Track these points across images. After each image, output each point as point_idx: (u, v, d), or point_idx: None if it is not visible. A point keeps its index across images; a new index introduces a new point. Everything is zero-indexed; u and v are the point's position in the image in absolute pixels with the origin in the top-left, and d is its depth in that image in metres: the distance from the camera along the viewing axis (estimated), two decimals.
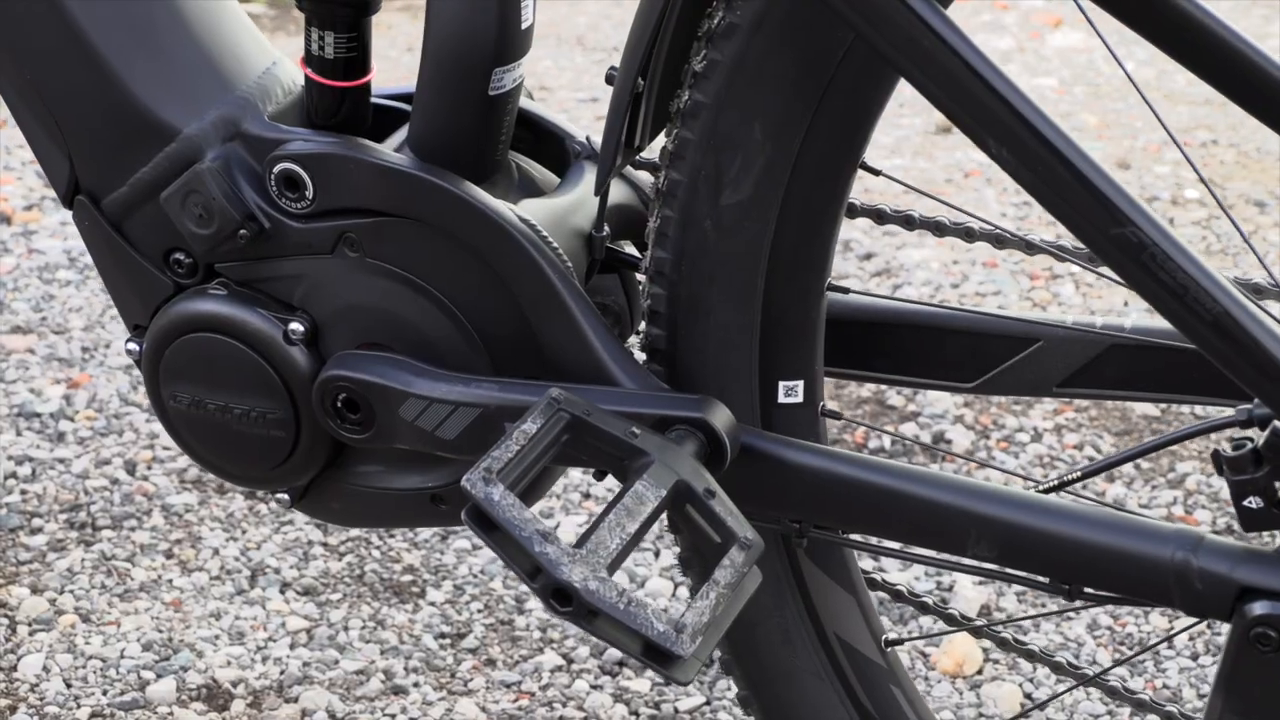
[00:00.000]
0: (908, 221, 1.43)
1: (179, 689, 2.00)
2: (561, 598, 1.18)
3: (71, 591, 2.15)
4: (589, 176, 1.44)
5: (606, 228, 1.41)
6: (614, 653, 2.07)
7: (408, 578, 2.21)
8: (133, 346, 1.50)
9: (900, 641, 1.47)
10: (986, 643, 2.08)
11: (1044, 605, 2.20)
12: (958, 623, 1.49)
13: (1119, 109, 3.77)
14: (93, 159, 1.45)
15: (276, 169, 1.39)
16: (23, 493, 2.33)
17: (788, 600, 1.43)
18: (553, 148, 1.48)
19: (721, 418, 1.30)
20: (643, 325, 1.39)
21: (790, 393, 1.36)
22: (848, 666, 1.45)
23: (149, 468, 2.40)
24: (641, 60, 1.28)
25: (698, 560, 1.46)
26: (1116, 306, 2.96)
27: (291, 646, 2.08)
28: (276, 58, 1.47)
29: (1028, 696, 2.04)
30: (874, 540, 1.40)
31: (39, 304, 2.80)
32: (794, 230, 1.31)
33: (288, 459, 1.47)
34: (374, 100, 1.46)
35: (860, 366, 1.45)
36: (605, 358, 1.35)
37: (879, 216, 1.43)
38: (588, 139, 1.47)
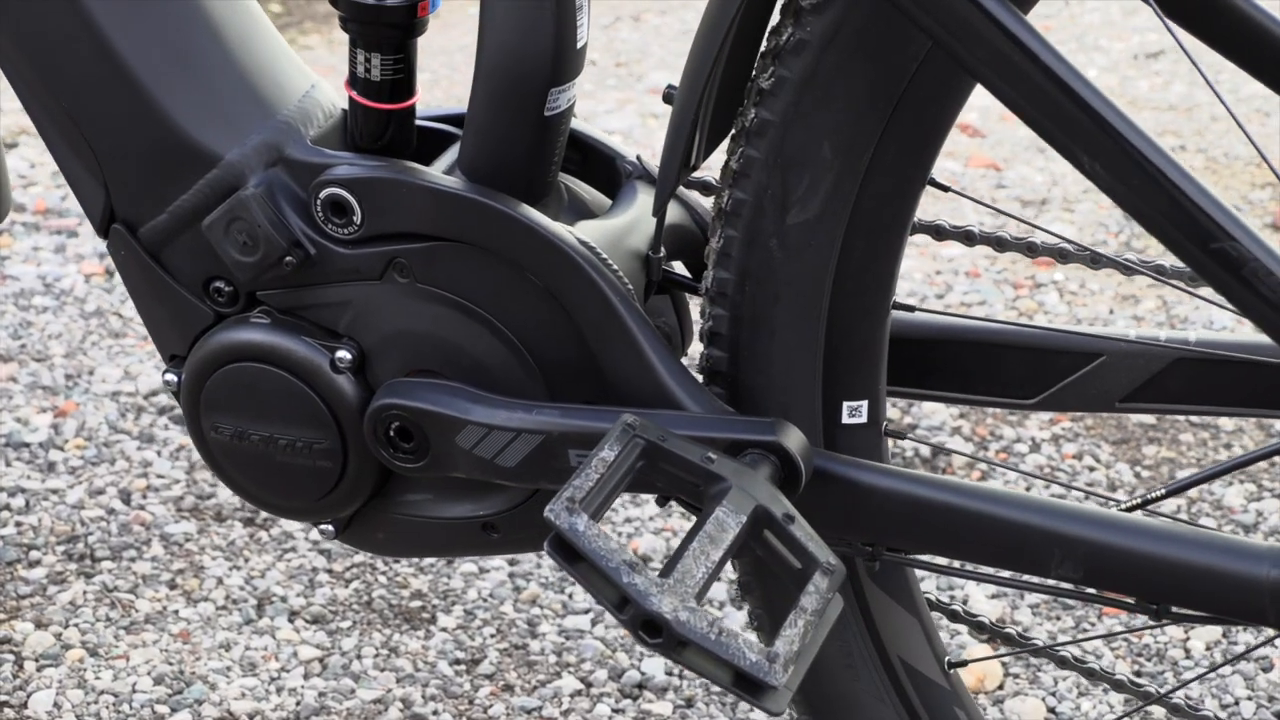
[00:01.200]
0: (968, 237, 1.41)
1: None
2: (651, 629, 1.15)
3: (76, 625, 2.11)
4: (642, 197, 1.41)
5: (663, 249, 1.38)
6: (633, 675, 2.04)
7: (417, 603, 2.17)
8: (170, 377, 1.47)
9: (964, 663, 1.45)
10: (1007, 658, 2.06)
11: (1058, 618, 2.18)
12: (1018, 643, 1.47)
13: None
14: (130, 187, 1.42)
15: (323, 194, 1.36)
16: (18, 525, 2.29)
17: (850, 623, 1.41)
18: (602, 168, 1.46)
19: (795, 441, 1.28)
20: (699, 347, 1.37)
21: (854, 413, 1.34)
22: (910, 689, 1.43)
23: (144, 496, 2.36)
24: (707, 79, 1.25)
25: (759, 586, 1.43)
26: (1103, 314, 2.96)
27: (305, 676, 2.04)
28: (315, 80, 1.44)
29: (1051, 711, 2.02)
30: (942, 562, 1.37)
31: (17, 331, 2.75)
32: (861, 249, 1.29)
33: (334, 489, 1.44)
34: (418, 123, 1.43)
35: (917, 385, 1.43)
36: (669, 381, 1.32)
37: (938, 233, 1.41)
38: (638, 158, 1.45)
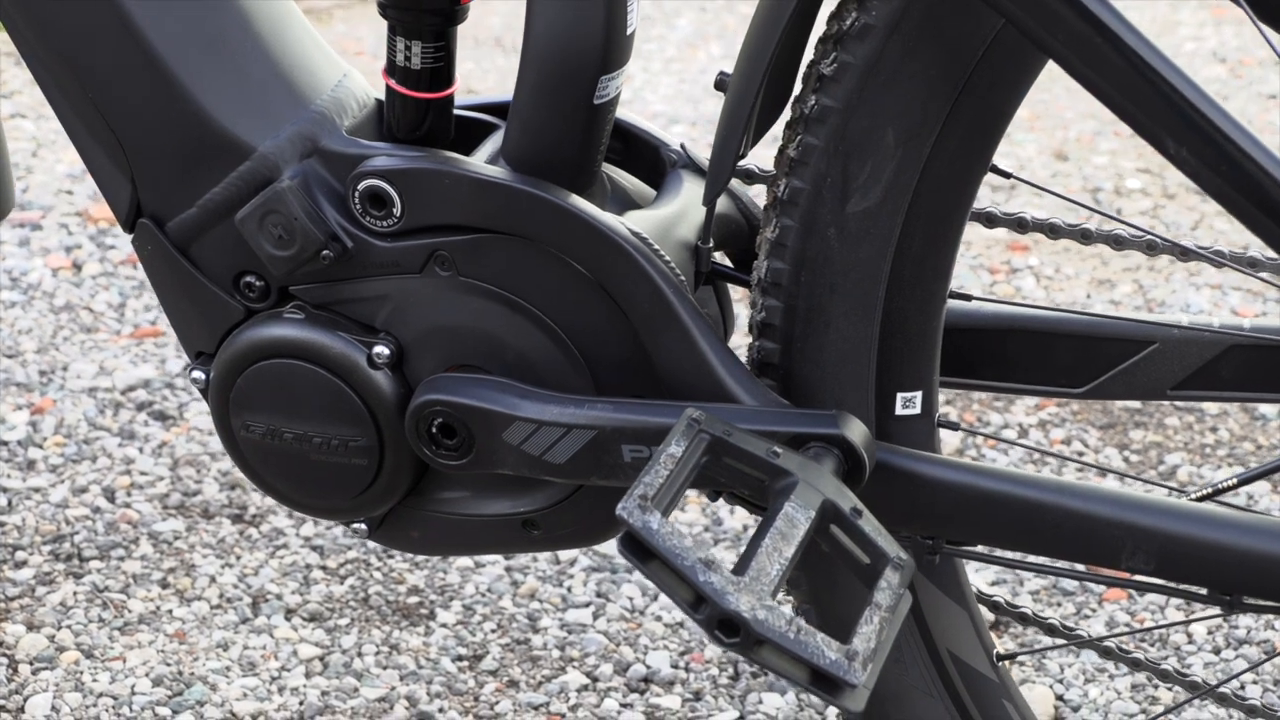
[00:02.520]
0: (1020, 225, 1.39)
1: None
2: (727, 628, 1.13)
3: (69, 627, 2.06)
4: (688, 186, 1.38)
5: (712, 239, 1.35)
6: (639, 669, 2.02)
7: (414, 599, 2.14)
8: (198, 375, 1.43)
9: (1012, 656, 1.43)
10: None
11: (1059, 604, 2.17)
12: (1062, 634, 1.45)
13: (1046, 99, 3.76)
14: (158, 180, 1.38)
15: (361, 186, 1.33)
16: (1, 525, 2.24)
17: None
18: (646, 157, 1.43)
19: (858, 433, 1.26)
20: (738, 337, 1.34)
21: (908, 404, 1.32)
22: (960, 683, 1.41)
23: (129, 494, 2.32)
24: (767, 66, 1.23)
25: (806, 580, 1.41)
26: (1080, 299, 2.95)
27: (307, 675, 2.00)
28: (347, 70, 1.41)
29: (1060, 699, 2.01)
30: (990, 553, 1.35)
31: None
32: (920, 237, 1.27)
33: (369, 488, 1.41)
34: (455, 112, 1.40)
35: (966, 374, 1.41)
36: (724, 374, 1.30)
37: (989, 220, 1.39)
38: (682, 147, 1.42)
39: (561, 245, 1.30)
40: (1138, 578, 1.25)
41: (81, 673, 1.99)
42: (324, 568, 2.19)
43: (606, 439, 1.30)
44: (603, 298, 1.31)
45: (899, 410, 1.33)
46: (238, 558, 2.20)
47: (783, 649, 1.12)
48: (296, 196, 1.33)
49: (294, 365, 1.38)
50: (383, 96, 1.42)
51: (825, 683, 1.14)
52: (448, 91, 1.37)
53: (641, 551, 1.15)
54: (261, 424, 1.41)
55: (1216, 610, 1.24)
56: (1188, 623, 1.74)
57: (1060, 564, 1.44)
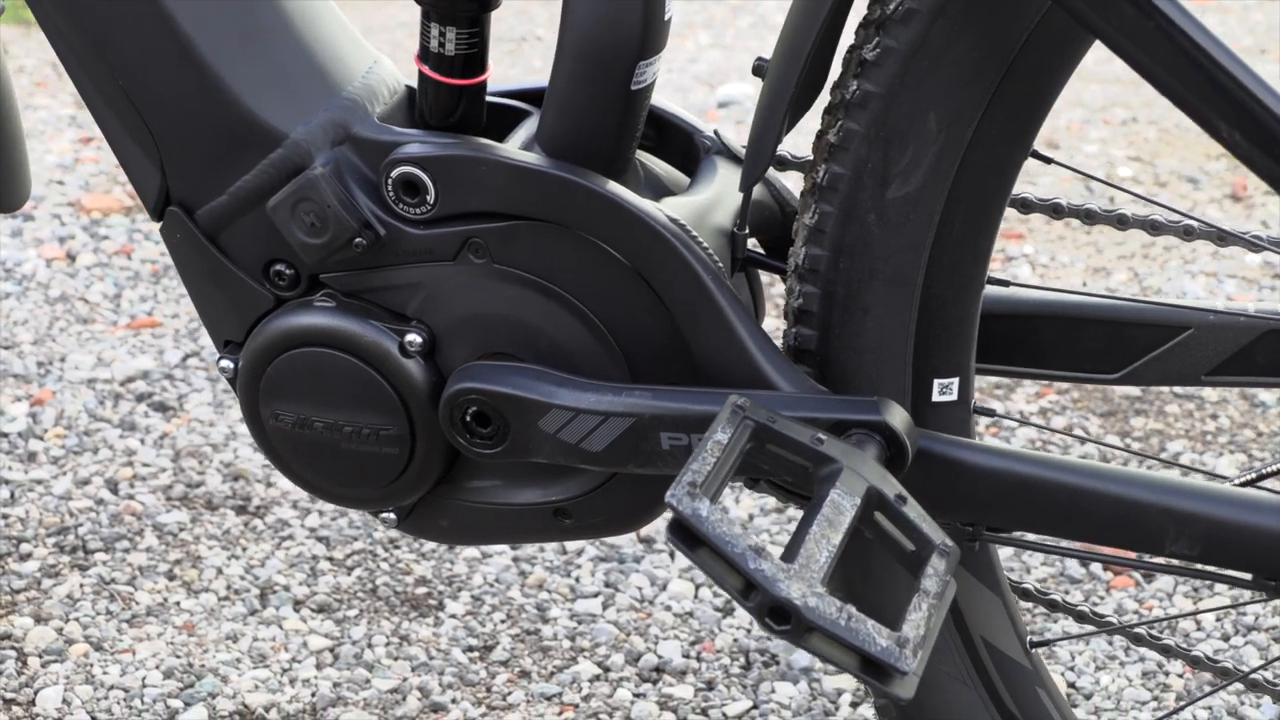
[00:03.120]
0: (1055, 210, 1.38)
1: (211, 717, 1.91)
2: (778, 616, 1.12)
3: (77, 619, 2.05)
4: (723, 172, 1.38)
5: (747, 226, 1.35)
6: (650, 659, 2.01)
7: (422, 590, 2.13)
8: (226, 364, 1.42)
9: (1046, 643, 1.43)
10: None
11: (1068, 591, 2.17)
12: (1094, 621, 1.45)
13: None
14: (188, 168, 1.37)
15: (395, 173, 1.32)
16: (4, 517, 2.22)
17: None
18: (678, 144, 1.42)
19: (900, 419, 1.25)
20: (769, 323, 1.34)
21: (945, 390, 1.32)
22: (993, 670, 1.40)
23: (132, 486, 2.31)
24: (810, 51, 1.22)
25: (840, 568, 1.40)
26: (1076, 286, 2.95)
27: (318, 667, 2.00)
28: (376, 57, 1.40)
29: (1071, 686, 2.01)
30: (1032, 539, 1.35)
31: None
32: (960, 223, 1.26)
33: (399, 476, 1.40)
34: (487, 99, 1.39)
35: (997, 361, 1.41)
36: (762, 361, 1.29)
37: (1025, 205, 1.39)
38: (716, 133, 1.41)
39: (599, 232, 1.29)
40: (1174, 563, 1.24)
41: (91, 665, 1.98)
42: (331, 559, 2.18)
43: (645, 426, 1.29)
44: (639, 285, 1.30)
45: (936, 396, 1.32)
46: (244, 549, 2.19)
47: (833, 636, 1.12)
48: (329, 184, 1.32)
49: (325, 354, 1.37)
50: (413, 83, 1.41)
51: (875, 670, 1.13)
52: (481, 78, 1.36)
53: (690, 539, 1.14)
54: (291, 413, 1.40)
55: (1262, 596, 1.23)
56: (1230, 608, 1.74)
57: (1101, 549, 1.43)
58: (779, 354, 1.30)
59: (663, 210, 1.29)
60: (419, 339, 1.35)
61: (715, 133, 1.41)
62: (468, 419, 1.35)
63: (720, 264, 1.30)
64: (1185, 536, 1.22)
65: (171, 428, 2.43)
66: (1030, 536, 1.32)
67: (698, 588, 2.15)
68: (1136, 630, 1.45)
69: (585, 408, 1.30)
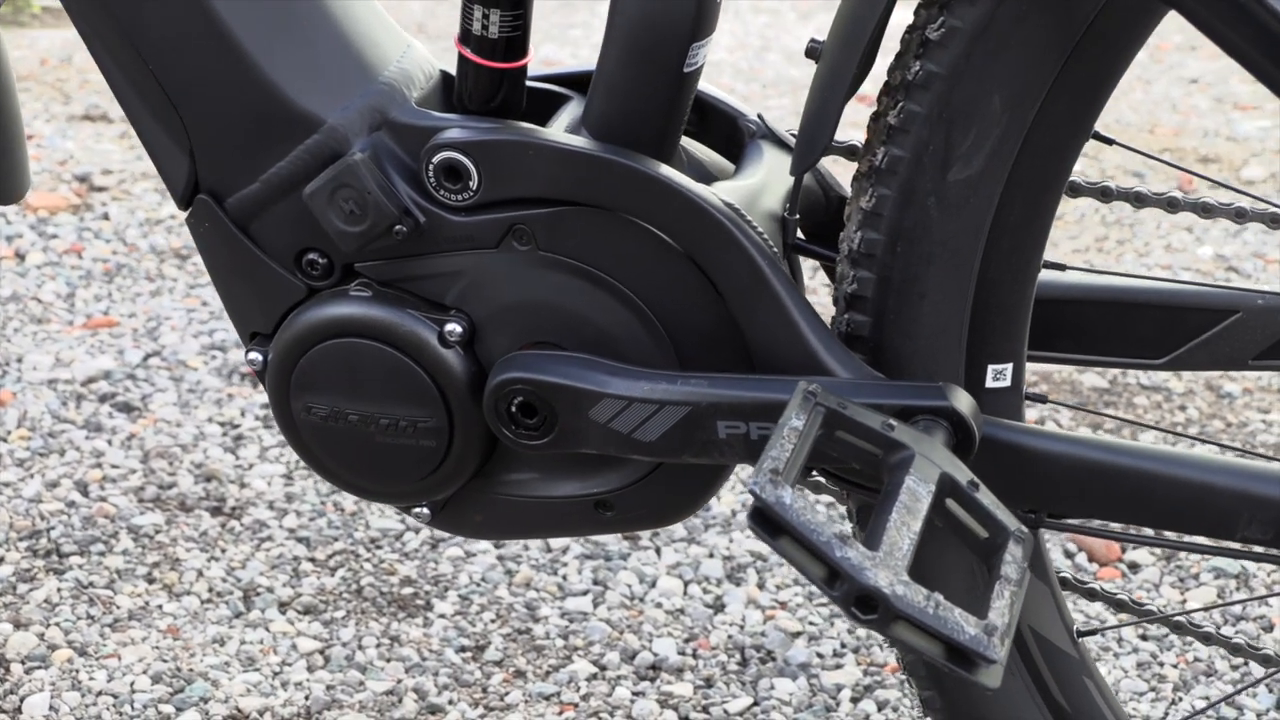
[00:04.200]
0: (1104, 194, 1.37)
1: None
2: (864, 605, 1.10)
3: (57, 624, 2.00)
4: (769, 157, 1.35)
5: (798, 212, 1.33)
6: (647, 656, 1.99)
7: (408, 590, 2.10)
8: (255, 356, 1.38)
9: (1093, 632, 1.42)
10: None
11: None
12: (1136, 611, 1.44)
13: None
14: (219, 155, 1.33)
15: (436, 158, 1.28)
16: None
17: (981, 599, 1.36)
18: (722, 129, 1.40)
19: (967, 404, 1.23)
20: (836, 312, 1.32)
21: (999, 377, 1.30)
22: (1040, 660, 1.39)
23: (103, 487, 2.26)
24: (873, 31, 1.20)
25: None
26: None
27: (309, 669, 1.96)
28: (410, 42, 1.37)
29: None
30: (1092, 524, 1.33)
31: None
32: (1019, 206, 1.25)
33: (436, 470, 1.37)
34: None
35: (1042, 347, 1.39)
36: (819, 347, 1.27)
37: (1073, 189, 1.37)
38: (759, 117, 1.39)
39: (651, 217, 1.27)
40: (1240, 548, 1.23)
41: (77, 671, 1.93)
42: (313, 559, 2.15)
43: (701, 415, 1.27)
44: (690, 270, 1.28)
45: (990, 383, 1.30)
46: (223, 551, 2.15)
47: (921, 624, 1.10)
48: (369, 170, 1.28)
49: (361, 344, 1.34)
50: (447, 68, 1.37)
51: (960, 658, 1.11)
52: (523, 61, 1.33)
53: (771, 527, 1.11)
54: (324, 406, 1.36)
55: None
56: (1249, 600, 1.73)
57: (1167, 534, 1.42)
58: (835, 340, 1.27)
59: (716, 194, 1.27)
60: (459, 328, 1.32)
61: (759, 116, 1.39)
62: (513, 409, 1.32)
63: (775, 248, 1.28)
64: (1258, 521, 1.20)
65: (138, 428, 2.39)
66: (1092, 522, 1.31)
67: (686, 584, 2.13)
68: (1177, 619, 1.44)
69: (639, 396, 1.28)
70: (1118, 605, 1.46)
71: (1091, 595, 1.47)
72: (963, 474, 1.19)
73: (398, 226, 1.30)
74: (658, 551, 2.19)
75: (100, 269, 2.84)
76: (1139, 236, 3.21)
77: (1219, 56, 4.12)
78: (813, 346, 1.27)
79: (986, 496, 1.19)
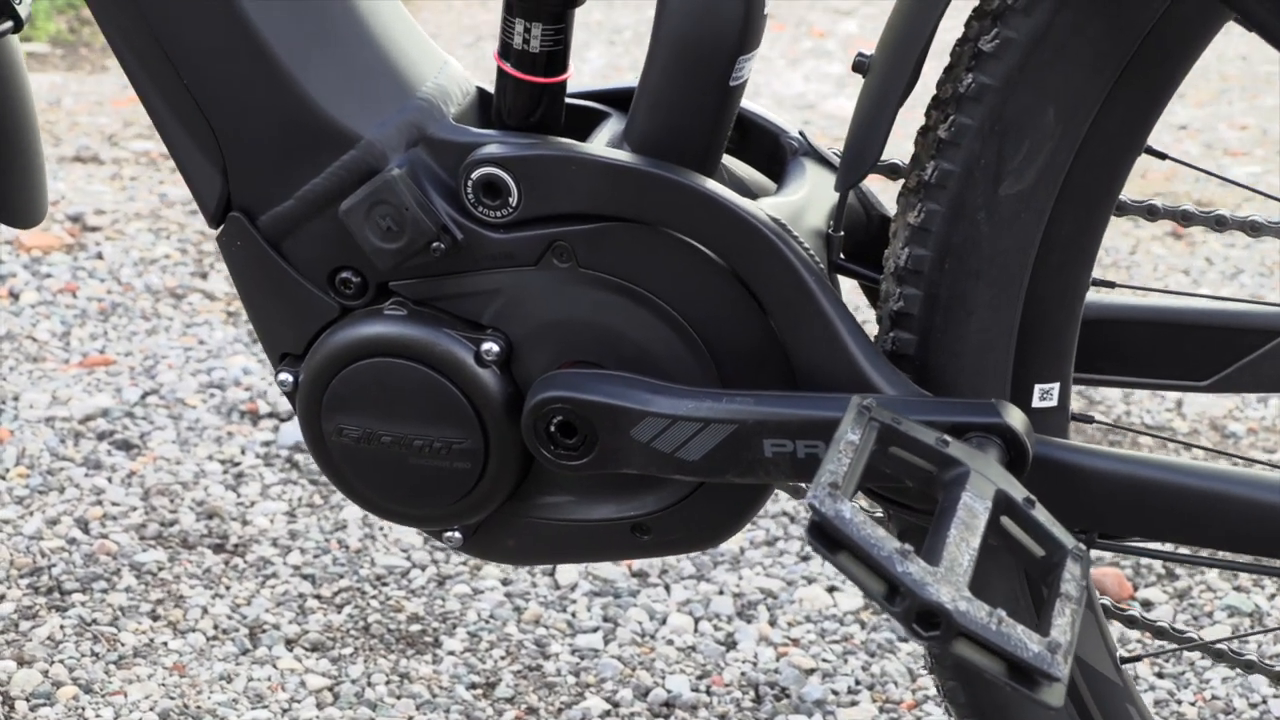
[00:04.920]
0: (1150, 212, 1.35)
1: None
2: (925, 621, 1.08)
3: (62, 661, 1.96)
4: (811, 174, 1.34)
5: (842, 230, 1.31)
6: (660, 693, 1.96)
7: (416, 627, 2.07)
8: (286, 377, 1.36)
9: (1138, 658, 1.40)
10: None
11: None
12: (1176, 639, 1.42)
13: None
14: (253, 171, 1.31)
15: (475, 175, 1.26)
16: None
17: (1025, 620, 1.34)
18: (764, 145, 1.38)
19: (1020, 422, 1.21)
20: (880, 331, 1.30)
21: (1046, 396, 1.28)
22: (1084, 687, 1.36)
23: (103, 525, 2.22)
24: (924, 46, 1.18)
25: None
26: None
27: (319, 707, 1.92)
28: (446, 59, 1.35)
29: None
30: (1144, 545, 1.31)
31: None
32: (1069, 221, 1.23)
33: (470, 492, 1.34)
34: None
35: (1083, 369, 1.37)
36: (865, 365, 1.25)
37: (1119, 208, 1.36)
38: (801, 134, 1.37)
39: (697, 232, 1.25)
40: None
41: (83, 708, 1.89)
42: (318, 596, 2.11)
43: (748, 433, 1.24)
44: (734, 286, 1.26)
45: (1036, 402, 1.28)
46: (227, 588, 2.12)
47: (985, 642, 1.07)
48: (407, 185, 1.26)
49: (395, 364, 1.31)
50: (483, 85, 1.36)
51: (1021, 677, 1.09)
52: (563, 77, 1.31)
53: (829, 542, 1.09)
54: (357, 427, 1.34)
55: None
56: None
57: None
58: (882, 357, 1.25)
59: (763, 209, 1.25)
60: (496, 347, 1.30)
61: (801, 134, 1.37)
62: (552, 429, 1.29)
63: (822, 265, 1.26)
64: None
65: (138, 466, 2.35)
66: (1146, 543, 1.29)
67: (697, 621, 2.10)
68: (1219, 646, 1.42)
69: (683, 415, 1.25)
70: (1158, 634, 1.43)
71: (1131, 623, 1.44)
72: (1018, 491, 1.17)
73: (435, 243, 1.27)
74: (667, 588, 2.16)
75: (95, 308, 2.81)
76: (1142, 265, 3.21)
77: (1207, 104, 4.12)
78: (860, 363, 1.25)
79: (1042, 514, 1.17)
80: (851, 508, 1.09)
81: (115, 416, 2.47)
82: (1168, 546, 1.96)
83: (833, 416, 1.22)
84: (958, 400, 1.24)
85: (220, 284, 2.94)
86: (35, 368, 2.60)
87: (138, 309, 2.84)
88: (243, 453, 2.41)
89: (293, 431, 2.43)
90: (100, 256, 3.02)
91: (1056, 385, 1.28)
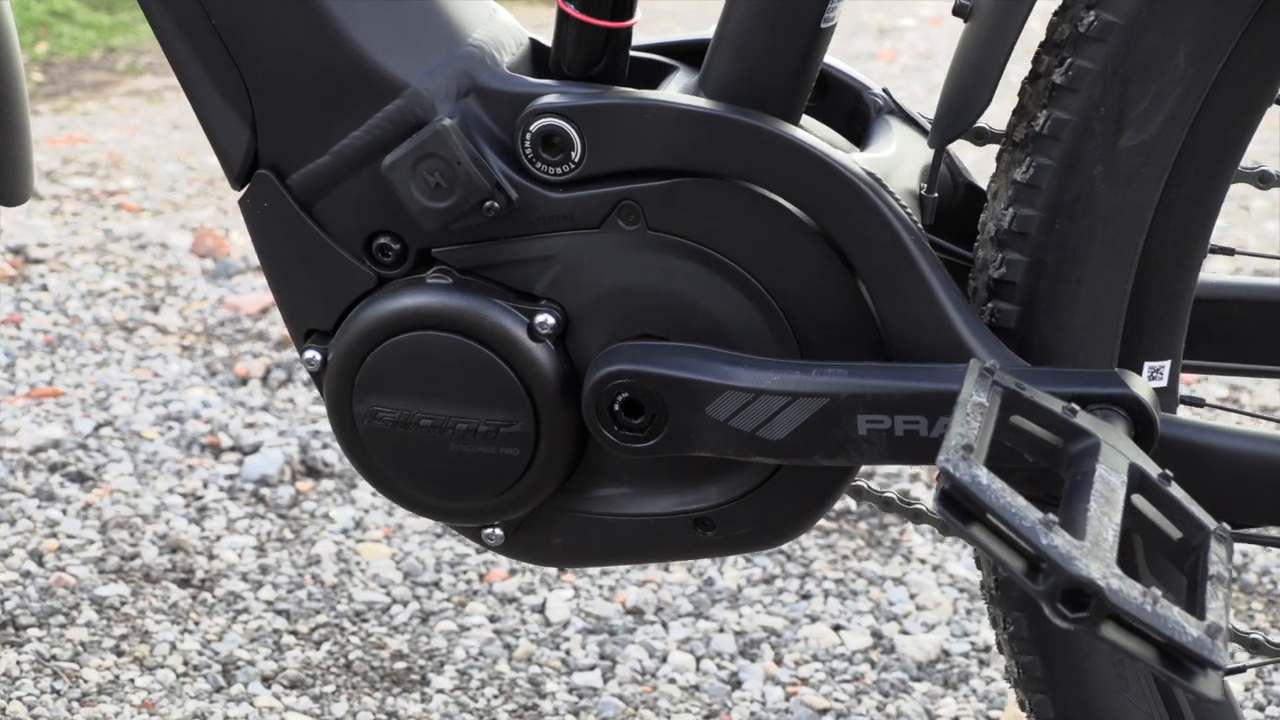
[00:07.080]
0: (1263, 179, 1.25)
1: None
2: (1071, 600, 0.96)
3: (20, 699, 1.82)
4: (898, 132, 1.23)
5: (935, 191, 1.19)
6: None
7: (401, 665, 1.93)
8: (312, 355, 1.23)
9: (1240, 669, 1.28)
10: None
11: None
12: (1269, 652, 1.31)
13: None
14: (287, 123, 1.18)
15: (535, 126, 1.14)
16: None
17: None
18: (846, 103, 1.26)
19: (1148, 393, 1.10)
20: (977, 302, 1.18)
21: (1156, 375, 1.17)
22: (1184, 701, 1.25)
23: (59, 558, 2.07)
24: None
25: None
26: None
27: None
28: (495, 7, 1.23)
29: None
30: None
31: None
32: (1191, 179, 1.12)
33: (516, 482, 1.21)
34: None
35: (1187, 354, 1.26)
36: (968, 335, 1.13)
37: (1263, 179, 1.25)
38: (885, 91, 1.26)
39: (783, 186, 1.13)
40: None
41: None
42: (294, 632, 1.97)
43: (840, 408, 1.12)
44: (822, 248, 1.14)
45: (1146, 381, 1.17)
46: (196, 623, 1.97)
47: (1138, 623, 0.96)
48: (459, 138, 1.14)
49: (438, 338, 1.19)
50: (536, 36, 1.24)
51: (1173, 664, 0.97)
52: (631, 21, 1.20)
53: (961, 512, 0.97)
54: (392, 410, 1.21)
55: None
56: None
57: None
58: (985, 328, 1.14)
59: (859, 164, 1.14)
60: (551, 320, 1.18)
61: (885, 90, 1.26)
62: (615, 408, 1.17)
63: (921, 225, 1.14)
64: None
65: (94, 498, 2.21)
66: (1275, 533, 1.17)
67: (699, 660, 1.98)
68: None
69: (767, 388, 1.13)
70: (1252, 646, 1.32)
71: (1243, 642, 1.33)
72: (1153, 467, 1.06)
73: (489, 203, 1.15)
74: (665, 626, 2.03)
75: (41, 340, 2.66)
76: None
77: None
78: (962, 333, 1.13)
79: (1179, 491, 1.05)
80: (988, 473, 0.97)
81: (67, 448, 2.33)
82: None
83: (938, 389, 1.10)
84: (1078, 370, 1.12)
85: (173, 318, 2.80)
86: None
87: (86, 341, 2.69)
88: (205, 486, 2.27)
89: (259, 465, 2.29)
90: (45, 289, 2.87)
91: (1167, 363, 1.17)
